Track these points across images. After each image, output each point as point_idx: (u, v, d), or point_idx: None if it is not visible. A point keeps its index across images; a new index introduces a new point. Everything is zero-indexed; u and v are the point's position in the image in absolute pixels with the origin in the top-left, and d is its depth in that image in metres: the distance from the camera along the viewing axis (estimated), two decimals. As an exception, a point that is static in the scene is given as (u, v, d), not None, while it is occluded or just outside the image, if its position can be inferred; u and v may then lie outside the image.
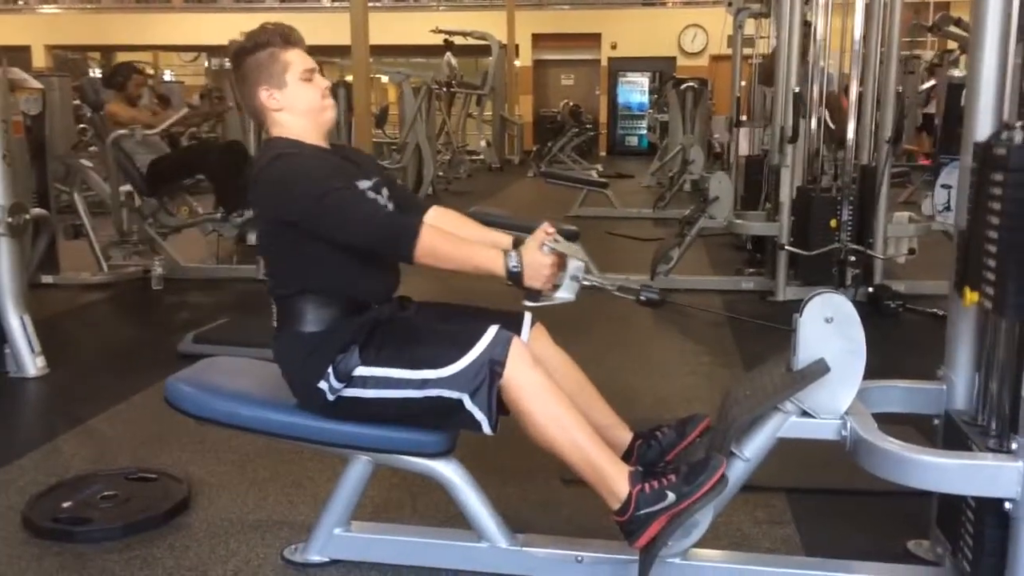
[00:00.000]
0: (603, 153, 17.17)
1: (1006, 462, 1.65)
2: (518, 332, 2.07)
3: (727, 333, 4.35)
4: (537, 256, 1.88)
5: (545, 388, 1.88)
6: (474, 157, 13.88)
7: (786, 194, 4.89)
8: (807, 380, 1.84)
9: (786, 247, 4.84)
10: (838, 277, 4.68)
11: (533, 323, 2.13)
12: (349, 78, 8.50)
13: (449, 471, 2.01)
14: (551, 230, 1.95)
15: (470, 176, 12.26)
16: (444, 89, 11.22)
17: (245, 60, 2.03)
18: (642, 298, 2.10)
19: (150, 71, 14.00)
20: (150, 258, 5.48)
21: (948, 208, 2.02)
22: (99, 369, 3.79)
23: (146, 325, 4.70)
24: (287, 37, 2.04)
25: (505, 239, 2.10)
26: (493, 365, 1.85)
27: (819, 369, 1.83)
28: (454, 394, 1.87)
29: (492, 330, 1.90)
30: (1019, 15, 1.76)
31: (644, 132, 16.73)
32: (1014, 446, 1.65)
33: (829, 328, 1.85)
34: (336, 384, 1.90)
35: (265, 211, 2.01)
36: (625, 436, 2.12)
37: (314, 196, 1.88)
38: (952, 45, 9.75)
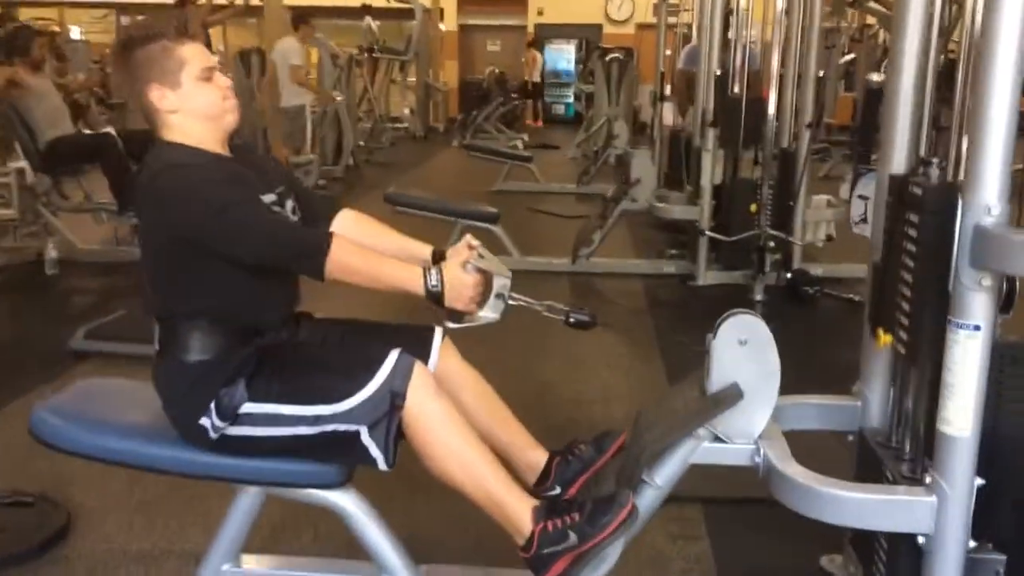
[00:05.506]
0: (529, 122, 17.00)
1: (920, 496, 1.60)
2: (426, 350, 1.95)
3: (648, 321, 4.30)
4: (460, 275, 1.76)
5: (446, 420, 1.75)
6: (397, 125, 13.55)
7: (707, 179, 4.83)
8: (720, 407, 1.76)
9: (707, 232, 4.80)
10: (758, 263, 4.64)
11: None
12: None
13: (347, 501, 1.87)
14: (475, 243, 1.83)
15: (393, 145, 11.93)
16: (365, 54, 10.85)
17: (134, 53, 1.80)
18: (571, 320, 1.97)
19: (56, 28, 13.24)
20: (43, 239, 5.14)
21: (864, 220, 1.96)
22: (-24, 369, 3.51)
23: (35, 315, 4.39)
24: (182, 29, 1.82)
25: (424, 250, 1.96)
26: (394, 398, 1.72)
27: (733, 395, 1.76)
28: (351, 427, 1.73)
29: (393, 356, 1.76)
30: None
31: (571, 101, 16.63)
32: (927, 480, 1.60)
33: (743, 351, 1.78)
34: (219, 423, 1.74)
35: (154, 226, 1.80)
36: (539, 457, 2.01)
37: (213, 211, 1.70)
38: (871, 20, 9.85)
